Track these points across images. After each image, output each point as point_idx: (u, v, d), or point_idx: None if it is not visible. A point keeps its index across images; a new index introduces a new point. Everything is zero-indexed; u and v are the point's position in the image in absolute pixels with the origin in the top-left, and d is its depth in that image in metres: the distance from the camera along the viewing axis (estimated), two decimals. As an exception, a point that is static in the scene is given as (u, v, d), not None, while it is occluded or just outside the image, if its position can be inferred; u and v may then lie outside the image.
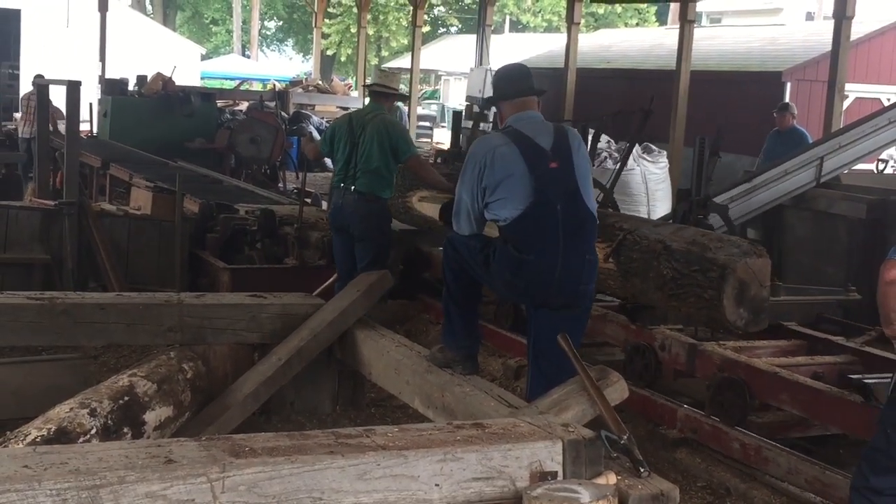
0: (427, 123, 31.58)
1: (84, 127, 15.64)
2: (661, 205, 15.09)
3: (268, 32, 61.19)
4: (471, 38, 31.78)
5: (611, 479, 3.53)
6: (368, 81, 8.48)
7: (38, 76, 16.87)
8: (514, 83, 5.23)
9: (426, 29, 40.83)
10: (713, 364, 6.08)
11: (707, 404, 5.99)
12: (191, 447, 3.24)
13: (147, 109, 18.25)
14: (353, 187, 7.41)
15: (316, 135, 18.56)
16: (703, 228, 6.94)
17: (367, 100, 8.06)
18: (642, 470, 3.63)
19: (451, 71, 42.76)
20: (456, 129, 12.24)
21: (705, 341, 6.47)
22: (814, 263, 9.29)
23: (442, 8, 54.04)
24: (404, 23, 47.40)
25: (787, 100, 17.95)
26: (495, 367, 7.26)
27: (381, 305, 7.15)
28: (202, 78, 36.37)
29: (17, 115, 19.66)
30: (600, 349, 7.29)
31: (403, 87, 26.35)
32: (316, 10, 30.31)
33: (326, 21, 42.35)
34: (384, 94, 7.74)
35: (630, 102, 21.03)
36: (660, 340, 6.48)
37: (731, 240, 6.07)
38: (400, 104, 20.98)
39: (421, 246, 8.94)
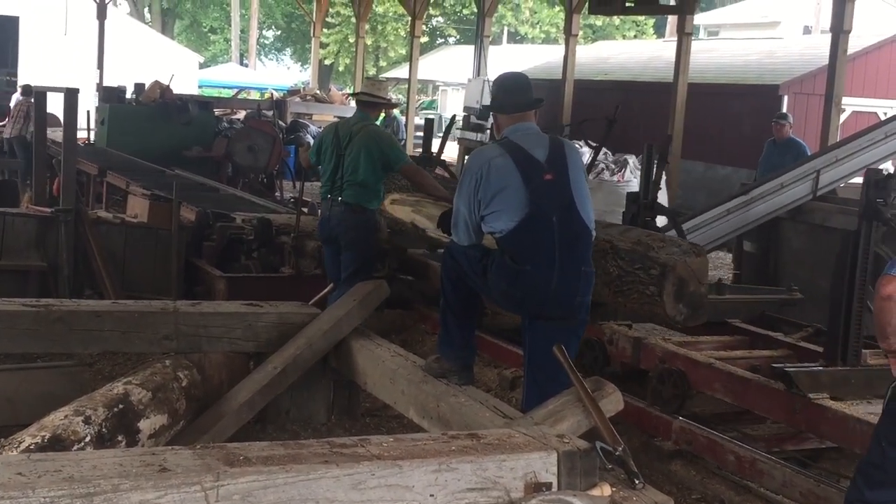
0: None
1: (81, 134, 15.68)
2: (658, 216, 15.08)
3: (266, 41, 61.28)
4: (469, 49, 31.83)
5: (605, 490, 3.53)
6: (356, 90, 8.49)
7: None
8: (513, 96, 5.23)
9: (424, 39, 40.93)
10: (656, 356, 6.49)
11: (648, 393, 6.35)
12: (185, 455, 3.23)
13: (144, 117, 18.24)
14: (339, 198, 7.39)
15: (314, 144, 18.54)
16: (650, 230, 7.24)
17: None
18: (637, 482, 3.62)
19: (449, 81, 42.82)
20: (427, 135, 12.30)
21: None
22: (810, 276, 9.28)
23: (440, 19, 54.14)
24: (402, 33, 47.49)
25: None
26: (491, 377, 7.26)
27: (377, 315, 7.14)
28: (200, 86, 36.43)
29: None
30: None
31: (400, 97, 26.41)
32: (314, 19, 30.33)
33: (325, 31, 42.38)
34: (371, 103, 7.70)
35: (627, 115, 21.14)
36: (608, 335, 6.84)
37: (673, 240, 6.41)
38: (396, 113, 21.02)
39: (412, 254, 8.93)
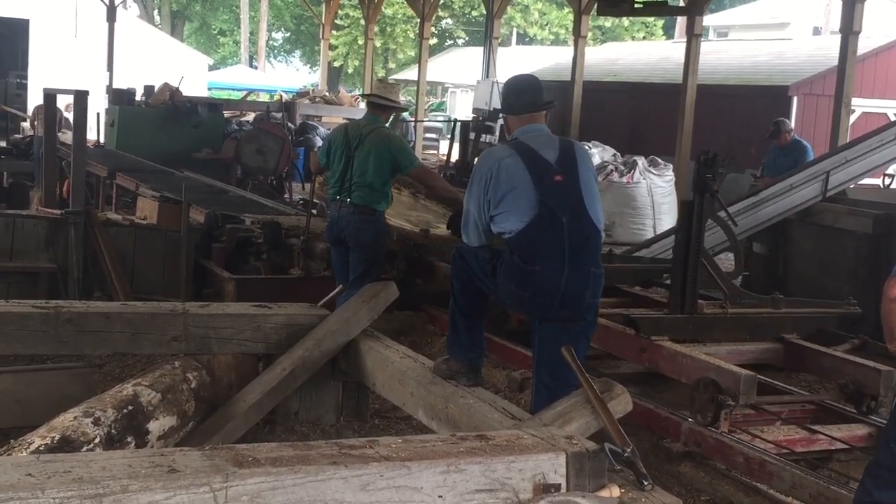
0: (433, 135, 31.61)
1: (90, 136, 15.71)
2: (666, 217, 15.10)
3: (275, 43, 61.39)
4: (478, 51, 31.87)
5: (614, 491, 3.52)
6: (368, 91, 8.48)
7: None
8: (523, 97, 5.24)
9: (433, 41, 40.89)
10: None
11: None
12: (194, 457, 3.23)
13: (154, 119, 18.26)
14: (348, 200, 7.38)
15: (324, 147, 18.53)
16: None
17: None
18: (646, 483, 3.62)
19: (458, 83, 42.85)
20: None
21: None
22: (819, 277, 9.27)
23: (449, 20, 54.15)
24: (411, 35, 47.53)
25: (793, 114, 18.02)
26: (499, 378, 7.25)
27: (386, 316, 7.14)
28: (209, 88, 36.52)
29: (25, 125, 19.79)
30: (603, 362, 7.32)
31: (409, 98, 26.44)
32: (323, 21, 30.38)
33: (334, 33, 42.44)
34: (382, 105, 7.69)
35: (636, 116, 21.18)
36: None
37: None
38: (406, 115, 21.01)
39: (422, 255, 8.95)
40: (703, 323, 7.14)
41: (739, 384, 5.84)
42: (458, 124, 14.76)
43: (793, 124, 15.14)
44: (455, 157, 15.25)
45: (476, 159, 13.66)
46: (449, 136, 13.66)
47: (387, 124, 7.75)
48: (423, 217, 9.24)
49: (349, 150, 7.41)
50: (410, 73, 38.73)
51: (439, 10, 33.62)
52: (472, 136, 15.10)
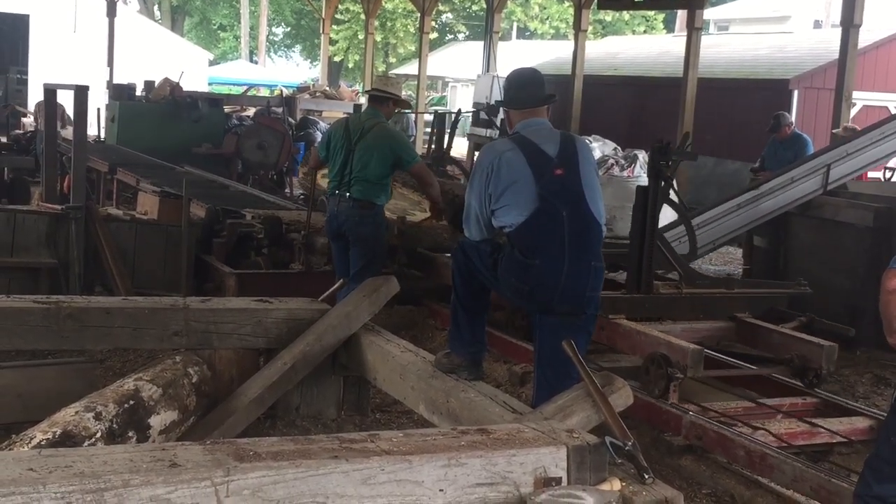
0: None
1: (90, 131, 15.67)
2: (667, 211, 15.06)
3: (275, 38, 61.34)
4: (478, 45, 31.82)
5: (615, 485, 3.53)
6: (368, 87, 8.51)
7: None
8: (524, 91, 5.24)
9: (433, 35, 40.92)
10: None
11: (510, 325, 7.77)
12: (195, 451, 3.24)
13: (155, 115, 18.22)
14: (348, 194, 7.37)
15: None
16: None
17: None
18: (646, 476, 3.62)
19: (459, 77, 42.84)
20: (440, 133, 12.57)
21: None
22: (820, 271, 9.26)
23: (449, 15, 54.11)
24: (412, 29, 47.49)
25: (794, 107, 17.99)
26: (500, 372, 7.26)
27: (386, 311, 7.14)
28: (210, 83, 36.46)
29: (26, 121, 19.75)
30: (604, 356, 7.32)
31: (410, 93, 26.43)
32: (324, 16, 30.34)
33: (334, 27, 42.44)
34: (383, 98, 7.67)
35: (637, 110, 21.16)
36: None
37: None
38: (407, 111, 20.95)
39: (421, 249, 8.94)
40: (659, 302, 7.44)
41: (688, 358, 6.20)
42: (436, 116, 14.74)
43: (793, 118, 15.13)
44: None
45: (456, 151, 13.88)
46: (448, 130, 13.60)
47: (388, 119, 7.75)
48: (399, 205, 9.35)
49: (349, 144, 7.40)
50: (411, 68, 38.71)
51: (439, 4, 33.56)
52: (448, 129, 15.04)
